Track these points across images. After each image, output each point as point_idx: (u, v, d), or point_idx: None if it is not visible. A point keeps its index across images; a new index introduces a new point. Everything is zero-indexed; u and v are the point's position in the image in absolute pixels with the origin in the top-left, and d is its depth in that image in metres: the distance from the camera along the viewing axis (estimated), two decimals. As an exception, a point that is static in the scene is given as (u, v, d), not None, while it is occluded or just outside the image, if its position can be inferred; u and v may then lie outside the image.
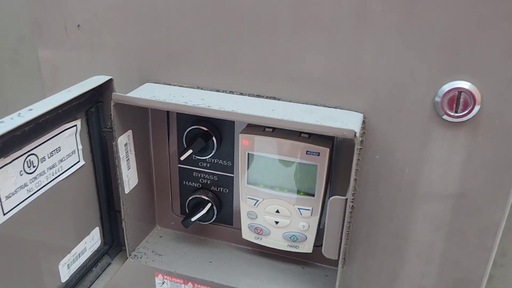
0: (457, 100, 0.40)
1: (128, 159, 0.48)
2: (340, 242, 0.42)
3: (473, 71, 0.39)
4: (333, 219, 0.41)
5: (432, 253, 0.47)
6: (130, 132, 0.47)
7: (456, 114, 0.40)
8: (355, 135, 0.37)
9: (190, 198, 0.52)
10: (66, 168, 0.44)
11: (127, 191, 0.48)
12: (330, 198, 0.41)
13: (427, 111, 0.41)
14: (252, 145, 0.45)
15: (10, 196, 0.37)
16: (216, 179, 0.51)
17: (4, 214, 0.37)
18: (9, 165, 0.37)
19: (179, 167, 0.52)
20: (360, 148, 0.44)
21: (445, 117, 0.41)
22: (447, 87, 0.40)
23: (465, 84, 0.39)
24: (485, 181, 0.42)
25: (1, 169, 0.36)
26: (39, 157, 0.40)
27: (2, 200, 0.36)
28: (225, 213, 0.53)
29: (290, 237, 0.48)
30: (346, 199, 0.40)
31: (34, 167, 0.39)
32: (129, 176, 0.48)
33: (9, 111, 0.36)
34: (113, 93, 0.43)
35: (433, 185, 0.44)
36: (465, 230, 0.45)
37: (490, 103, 0.39)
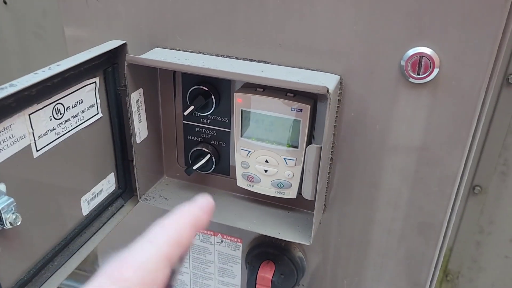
0: (419, 63, 0.46)
1: (139, 113, 0.56)
2: (316, 185, 0.50)
3: (432, 38, 0.45)
4: (310, 164, 0.49)
5: (400, 200, 0.54)
6: (141, 90, 0.55)
7: (418, 76, 0.47)
8: (327, 91, 0.44)
9: (193, 150, 0.60)
10: (87, 118, 0.52)
11: (138, 141, 0.56)
12: (308, 146, 0.48)
13: (394, 73, 0.48)
14: (245, 103, 0.53)
15: (42, 136, 0.45)
16: (215, 134, 0.59)
17: (37, 151, 0.45)
18: (41, 110, 0.45)
19: (184, 123, 0.60)
20: (337, 106, 0.51)
21: (409, 79, 0.47)
22: (410, 52, 0.46)
23: (426, 50, 0.46)
24: (444, 135, 0.49)
25: (35, 113, 0.44)
26: (65, 106, 0.48)
27: (36, 139, 0.45)
28: (223, 164, 0.61)
29: (277, 184, 0.56)
30: (321, 147, 0.48)
31: (61, 114, 0.47)
32: (140, 129, 0.56)
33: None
34: (127, 54, 0.50)
35: (400, 139, 0.51)
36: (427, 179, 0.52)
37: (447, 66, 0.46)
